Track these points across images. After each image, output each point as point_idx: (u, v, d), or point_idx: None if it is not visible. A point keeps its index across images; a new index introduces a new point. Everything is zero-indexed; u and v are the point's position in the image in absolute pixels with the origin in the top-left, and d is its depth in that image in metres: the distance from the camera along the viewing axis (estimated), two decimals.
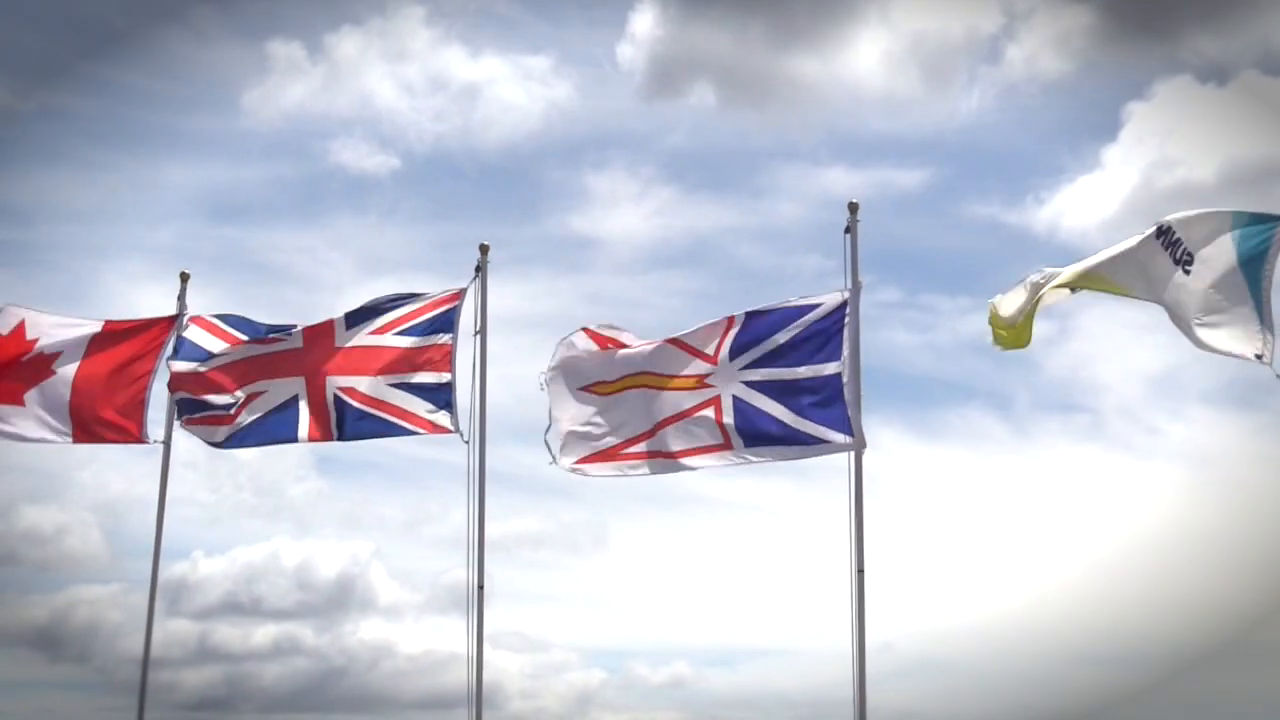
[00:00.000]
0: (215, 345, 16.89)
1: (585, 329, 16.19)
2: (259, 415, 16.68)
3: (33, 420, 17.28)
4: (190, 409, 16.77)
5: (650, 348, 15.97)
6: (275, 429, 16.73)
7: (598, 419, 15.94)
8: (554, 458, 15.90)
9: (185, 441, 17.22)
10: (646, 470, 15.91)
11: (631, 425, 15.88)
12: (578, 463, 15.95)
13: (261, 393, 16.75)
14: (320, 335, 16.85)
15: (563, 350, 16.15)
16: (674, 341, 15.94)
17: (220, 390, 16.69)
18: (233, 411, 16.65)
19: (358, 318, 16.88)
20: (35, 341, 17.42)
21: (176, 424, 17.11)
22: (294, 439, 16.67)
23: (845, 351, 15.34)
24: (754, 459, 15.49)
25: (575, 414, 15.99)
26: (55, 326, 17.49)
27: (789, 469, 15.63)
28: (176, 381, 16.78)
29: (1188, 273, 14.50)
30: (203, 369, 16.78)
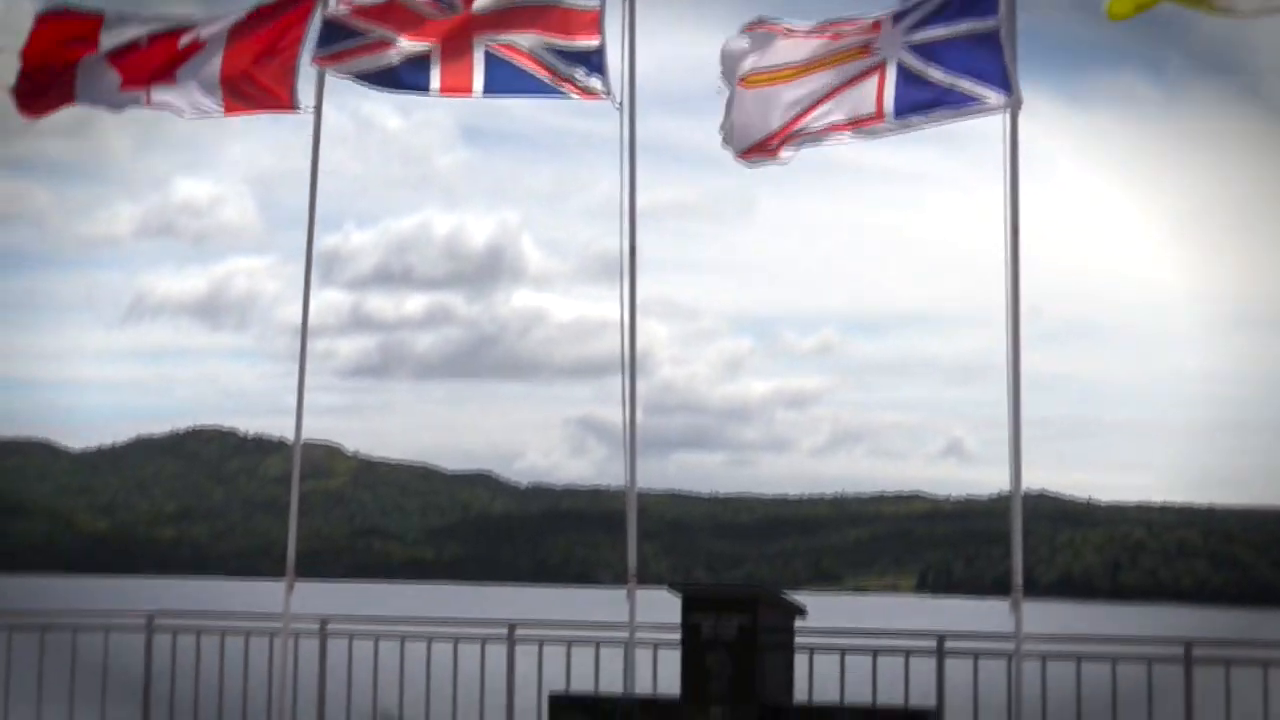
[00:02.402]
0: None
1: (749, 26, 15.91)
2: (391, 63, 16.53)
3: (184, 93, 17.34)
4: (329, 40, 16.59)
5: (812, 41, 15.65)
6: (407, 77, 16.59)
7: (754, 111, 15.71)
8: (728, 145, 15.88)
9: (335, 115, 17.19)
10: (794, 152, 15.73)
11: (784, 113, 15.62)
12: (739, 156, 15.86)
13: (393, 43, 16.56)
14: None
15: (727, 50, 15.93)
16: (832, 34, 15.60)
17: (365, 22, 16.55)
18: (365, 44, 16.51)
19: None
20: (189, 27, 17.39)
21: (328, 86, 17.02)
22: (425, 89, 16.56)
23: (1001, 7, 14.86)
24: (908, 127, 15.27)
25: (735, 107, 15.80)
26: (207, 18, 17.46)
27: (938, 136, 15.40)
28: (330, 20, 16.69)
29: None
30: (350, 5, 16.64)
